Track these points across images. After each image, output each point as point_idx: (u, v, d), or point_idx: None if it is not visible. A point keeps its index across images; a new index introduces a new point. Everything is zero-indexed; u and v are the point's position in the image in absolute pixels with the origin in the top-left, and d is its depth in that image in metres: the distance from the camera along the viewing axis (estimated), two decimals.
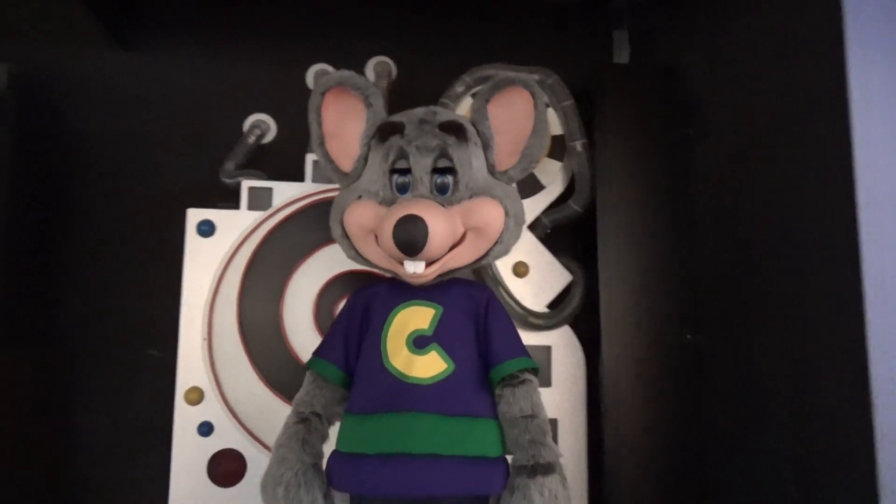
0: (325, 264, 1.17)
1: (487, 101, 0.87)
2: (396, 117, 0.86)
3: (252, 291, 1.15)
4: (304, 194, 1.19)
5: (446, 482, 0.76)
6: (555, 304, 1.25)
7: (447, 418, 0.78)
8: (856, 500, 0.87)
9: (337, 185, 1.20)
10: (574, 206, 1.27)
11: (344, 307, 0.90)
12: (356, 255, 0.87)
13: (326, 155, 0.88)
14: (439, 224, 0.77)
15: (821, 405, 0.94)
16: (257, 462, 1.13)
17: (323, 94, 0.86)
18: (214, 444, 1.12)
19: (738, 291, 1.15)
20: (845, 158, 0.88)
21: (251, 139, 1.31)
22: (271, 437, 1.13)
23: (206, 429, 1.12)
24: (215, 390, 1.12)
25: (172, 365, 1.16)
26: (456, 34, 1.46)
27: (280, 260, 1.17)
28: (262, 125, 1.33)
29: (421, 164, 0.82)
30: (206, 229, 1.16)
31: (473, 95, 1.31)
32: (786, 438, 1.02)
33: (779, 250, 1.04)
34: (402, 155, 0.82)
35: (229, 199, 1.28)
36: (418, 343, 0.81)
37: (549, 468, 0.78)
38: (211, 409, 1.12)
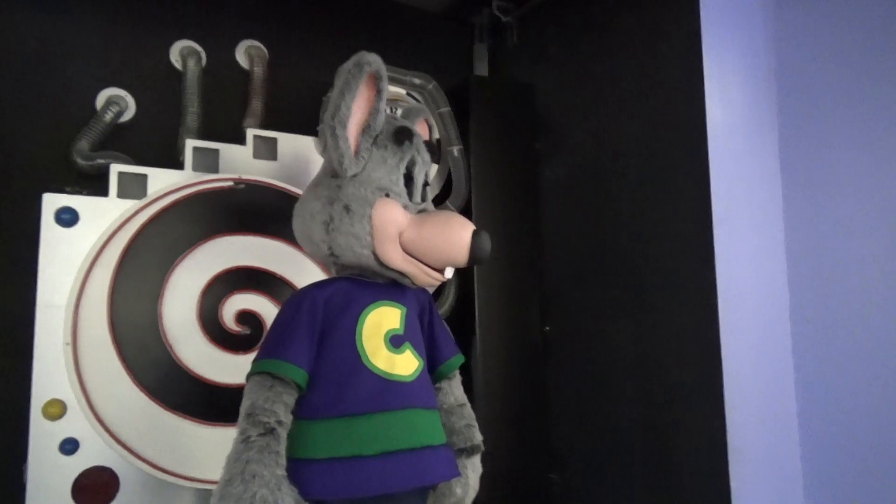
0: (210, 259, 1.09)
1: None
2: (400, 123, 0.87)
3: (126, 289, 1.03)
4: (186, 183, 1.09)
5: (443, 469, 0.81)
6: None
7: (429, 411, 0.83)
8: (701, 457, 1.08)
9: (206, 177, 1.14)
10: (451, 206, 1.34)
11: (299, 306, 0.82)
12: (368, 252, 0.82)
13: (347, 139, 0.79)
14: None
15: (670, 381, 1.15)
16: (133, 479, 1.02)
17: (367, 73, 0.79)
18: (80, 462, 0.98)
19: (588, 288, 1.33)
20: (702, 174, 1.09)
21: (108, 117, 1.16)
22: (151, 451, 1.04)
23: (70, 446, 0.98)
24: (82, 402, 0.98)
25: (16, 374, 1.00)
26: (328, 29, 1.44)
27: (158, 254, 1.06)
28: (120, 102, 1.18)
29: (422, 175, 0.87)
30: (68, 218, 1.00)
31: None
32: (632, 410, 1.22)
33: (634, 254, 1.23)
34: (413, 163, 0.85)
35: (81, 183, 1.13)
36: (395, 342, 0.82)
37: (478, 448, 0.89)
38: (76, 423, 0.98)
